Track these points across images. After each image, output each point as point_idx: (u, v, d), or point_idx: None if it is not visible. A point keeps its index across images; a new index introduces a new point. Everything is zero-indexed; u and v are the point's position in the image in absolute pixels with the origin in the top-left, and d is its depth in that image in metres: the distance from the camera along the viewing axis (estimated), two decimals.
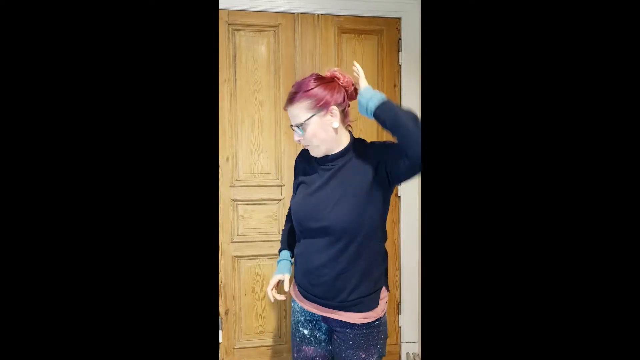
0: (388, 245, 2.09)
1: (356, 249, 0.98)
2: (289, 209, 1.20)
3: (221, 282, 1.97)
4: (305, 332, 1.10)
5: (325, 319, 1.06)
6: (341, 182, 0.99)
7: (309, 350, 1.10)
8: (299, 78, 2.03)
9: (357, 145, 1.04)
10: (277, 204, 1.99)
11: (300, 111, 0.98)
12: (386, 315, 1.09)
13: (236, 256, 1.98)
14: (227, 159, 1.95)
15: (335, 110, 0.98)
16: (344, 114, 1.03)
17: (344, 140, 1.03)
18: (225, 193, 1.95)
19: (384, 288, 1.07)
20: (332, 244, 0.98)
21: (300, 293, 1.10)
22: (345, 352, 1.03)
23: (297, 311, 1.13)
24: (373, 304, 1.02)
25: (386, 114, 0.91)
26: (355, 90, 1.02)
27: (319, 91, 0.97)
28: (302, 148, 1.13)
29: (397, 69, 2.04)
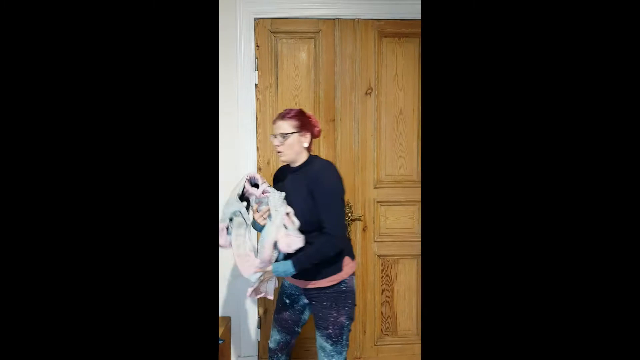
0: None
1: (313, 238, 1.35)
2: None
3: None
4: (287, 300, 1.53)
5: (305, 290, 1.45)
6: (298, 187, 1.38)
7: (286, 314, 1.53)
8: (338, 83, 2.07)
9: (309, 161, 1.45)
10: None
11: (288, 126, 1.41)
12: (354, 281, 1.46)
13: None
14: (268, 162, 2.01)
15: (308, 135, 1.43)
16: (310, 142, 1.45)
17: (303, 157, 1.45)
18: None
19: (347, 257, 1.43)
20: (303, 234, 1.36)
21: None
22: (321, 312, 1.42)
23: (285, 285, 1.56)
24: (337, 270, 1.41)
25: (304, 264, 1.35)
26: (319, 132, 1.48)
27: (303, 119, 1.43)
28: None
29: None
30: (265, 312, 2.05)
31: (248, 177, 1.45)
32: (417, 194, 2.02)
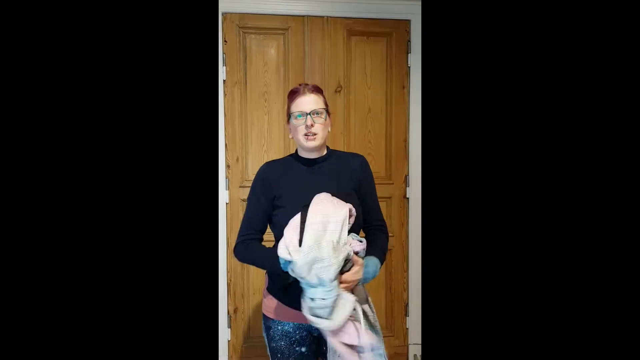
0: (396, 246, 2.10)
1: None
2: (245, 223, 1.12)
3: (230, 281, 2.00)
4: (303, 349, 1.05)
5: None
6: (334, 183, 1.08)
7: None
8: (308, 80, 2.06)
9: (332, 152, 1.17)
10: None
11: (320, 101, 1.09)
12: None
13: None
14: (237, 160, 1.98)
15: (329, 119, 1.12)
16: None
17: (324, 147, 1.15)
18: (235, 193, 1.98)
19: None
20: None
21: (290, 306, 1.02)
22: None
23: (290, 332, 1.05)
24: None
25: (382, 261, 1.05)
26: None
27: (324, 98, 1.13)
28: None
29: (406, 70, 2.05)
30: (235, 310, 2.02)
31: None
32: (386, 191, 2.06)
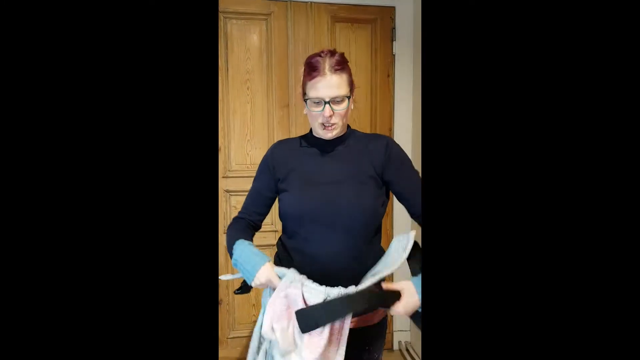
0: (382, 235, 2.11)
1: (372, 232, 0.93)
2: (244, 203, 1.04)
3: None
4: None
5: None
6: (346, 169, 0.93)
7: None
8: (291, 67, 2.01)
9: (353, 131, 1.01)
10: None
11: (343, 83, 0.88)
12: None
13: None
14: (220, 149, 1.94)
15: (352, 103, 0.92)
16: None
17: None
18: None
19: None
20: (346, 229, 0.89)
21: None
22: None
23: None
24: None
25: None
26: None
27: (349, 68, 0.91)
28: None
29: (391, 58, 2.02)
30: (220, 302, 2.00)
31: None
32: None
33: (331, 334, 0.78)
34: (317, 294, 0.80)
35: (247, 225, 1.02)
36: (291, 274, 0.84)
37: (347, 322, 0.78)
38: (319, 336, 0.77)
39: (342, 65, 0.88)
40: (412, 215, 0.96)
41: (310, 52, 1.99)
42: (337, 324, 0.78)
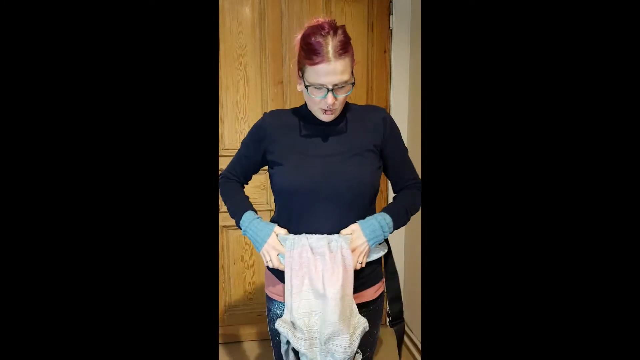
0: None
1: (369, 204, 0.93)
2: (231, 162, 1.06)
3: None
4: None
5: None
6: (344, 142, 0.91)
7: None
8: (286, 43, 1.95)
9: (348, 106, 0.99)
10: (265, 173, 1.96)
11: (347, 67, 0.81)
12: None
13: (224, 226, 1.97)
14: None
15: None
16: None
17: None
18: None
19: None
20: (346, 203, 0.89)
21: None
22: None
23: None
24: (380, 268, 0.94)
25: (402, 220, 0.94)
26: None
27: (351, 46, 0.83)
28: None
29: (388, 33, 1.97)
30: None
31: None
32: None
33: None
34: (321, 239, 0.87)
35: (240, 186, 1.08)
36: (290, 239, 0.91)
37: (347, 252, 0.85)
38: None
39: (346, 47, 0.81)
40: (399, 186, 1.02)
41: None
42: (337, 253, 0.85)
